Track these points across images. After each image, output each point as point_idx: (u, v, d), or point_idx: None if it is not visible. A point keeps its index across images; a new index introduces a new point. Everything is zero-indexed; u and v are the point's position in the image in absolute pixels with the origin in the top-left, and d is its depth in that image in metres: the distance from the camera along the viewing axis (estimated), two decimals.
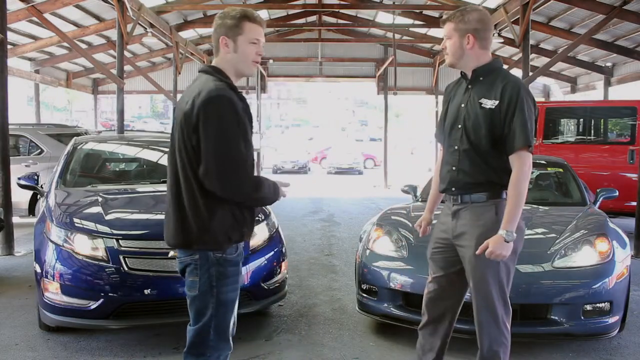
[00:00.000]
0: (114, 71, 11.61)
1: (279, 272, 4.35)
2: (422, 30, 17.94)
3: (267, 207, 4.65)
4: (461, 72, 2.85)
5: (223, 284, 2.36)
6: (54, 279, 3.81)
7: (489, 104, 2.67)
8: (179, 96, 12.87)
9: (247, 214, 2.41)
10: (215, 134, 2.25)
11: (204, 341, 2.37)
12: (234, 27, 2.38)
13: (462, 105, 2.78)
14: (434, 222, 3.08)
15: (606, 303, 3.73)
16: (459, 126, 2.77)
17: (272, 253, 4.31)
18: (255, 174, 2.39)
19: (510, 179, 2.63)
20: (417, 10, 15.60)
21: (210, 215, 2.31)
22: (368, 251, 4.29)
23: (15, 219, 7.74)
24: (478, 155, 2.72)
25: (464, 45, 2.73)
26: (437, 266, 2.92)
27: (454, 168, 2.80)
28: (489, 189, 2.73)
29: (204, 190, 2.29)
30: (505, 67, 2.92)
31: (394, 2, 15.66)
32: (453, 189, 2.81)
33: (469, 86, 2.79)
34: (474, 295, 2.74)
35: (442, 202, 3.04)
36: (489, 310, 2.70)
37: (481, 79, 2.76)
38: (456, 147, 2.78)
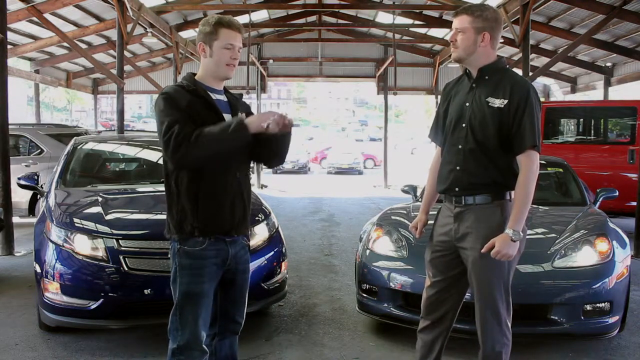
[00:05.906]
0: (114, 71, 11.61)
1: (279, 272, 4.35)
2: (422, 30, 17.91)
3: (267, 207, 4.66)
4: (465, 70, 2.80)
5: (183, 274, 2.47)
6: (54, 279, 3.81)
7: (497, 103, 2.63)
8: None
9: (202, 208, 2.45)
10: (156, 120, 2.46)
11: (170, 328, 2.49)
12: (210, 33, 2.51)
13: (467, 104, 2.72)
14: (430, 222, 3.01)
15: (606, 303, 3.73)
16: (464, 125, 2.71)
17: (272, 253, 4.30)
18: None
19: (519, 178, 2.61)
20: (417, 10, 15.58)
21: (169, 210, 2.51)
22: (368, 251, 4.29)
23: (15, 219, 7.73)
24: (484, 155, 2.67)
25: (478, 42, 2.67)
26: (436, 270, 2.86)
27: (457, 168, 2.73)
28: (494, 189, 2.68)
29: (168, 187, 2.50)
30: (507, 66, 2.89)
31: (394, 2, 15.65)
32: (456, 189, 2.74)
33: (474, 85, 2.73)
34: (477, 297, 2.70)
35: (438, 201, 2.99)
36: (492, 311, 2.67)
37: (487, 77, 2.71)
38: (460, 147, 2.72)
